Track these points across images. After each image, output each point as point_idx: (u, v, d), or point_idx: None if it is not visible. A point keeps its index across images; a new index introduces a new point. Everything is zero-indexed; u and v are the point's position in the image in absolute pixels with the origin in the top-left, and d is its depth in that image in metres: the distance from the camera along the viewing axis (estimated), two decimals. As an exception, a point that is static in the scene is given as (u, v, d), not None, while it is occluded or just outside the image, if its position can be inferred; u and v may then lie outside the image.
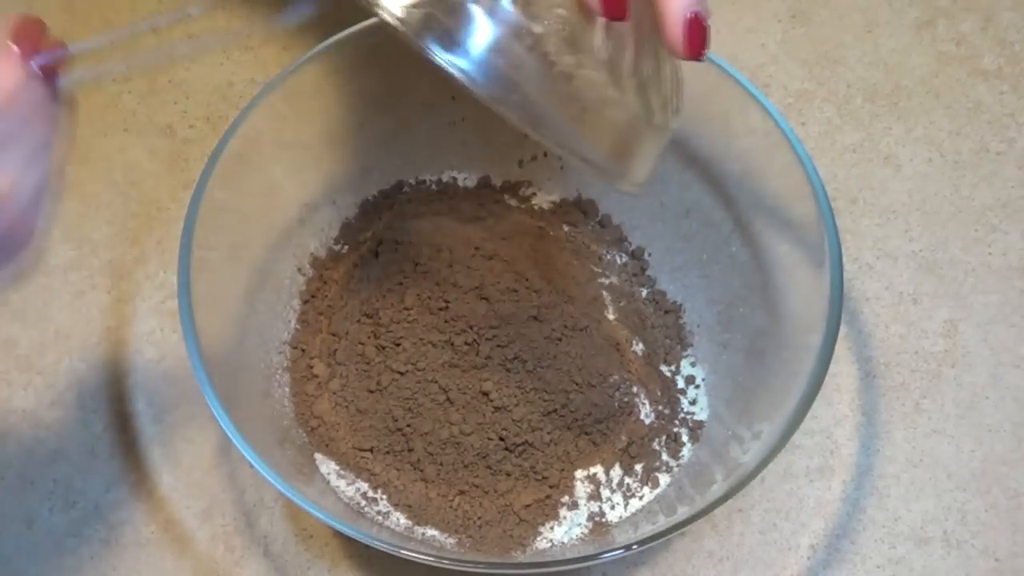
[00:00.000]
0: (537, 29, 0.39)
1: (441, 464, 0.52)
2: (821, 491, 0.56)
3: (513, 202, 0.63)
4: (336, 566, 0.54)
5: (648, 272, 0.61)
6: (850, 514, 0.55)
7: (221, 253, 0.53)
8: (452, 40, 0.40)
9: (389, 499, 0.53)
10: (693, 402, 0.56)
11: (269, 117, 0.55)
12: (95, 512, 0.55)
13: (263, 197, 0.57)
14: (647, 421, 0.55)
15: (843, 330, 0.60)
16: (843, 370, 0.59)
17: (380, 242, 0.58)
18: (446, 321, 0.53)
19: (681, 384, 0.57)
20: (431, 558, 0.46)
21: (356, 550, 0.54)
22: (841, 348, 0.59)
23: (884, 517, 0.55)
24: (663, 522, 0.49)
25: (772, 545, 0.55)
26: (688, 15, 0.41)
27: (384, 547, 0.46)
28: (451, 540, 0.52)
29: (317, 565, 0.54)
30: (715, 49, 0.64)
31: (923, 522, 0.55)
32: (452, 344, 0.53)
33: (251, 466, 0.46)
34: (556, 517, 0.53)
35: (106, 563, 0.54)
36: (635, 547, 0.46)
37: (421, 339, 0.53)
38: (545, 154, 0.64)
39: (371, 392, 0.53)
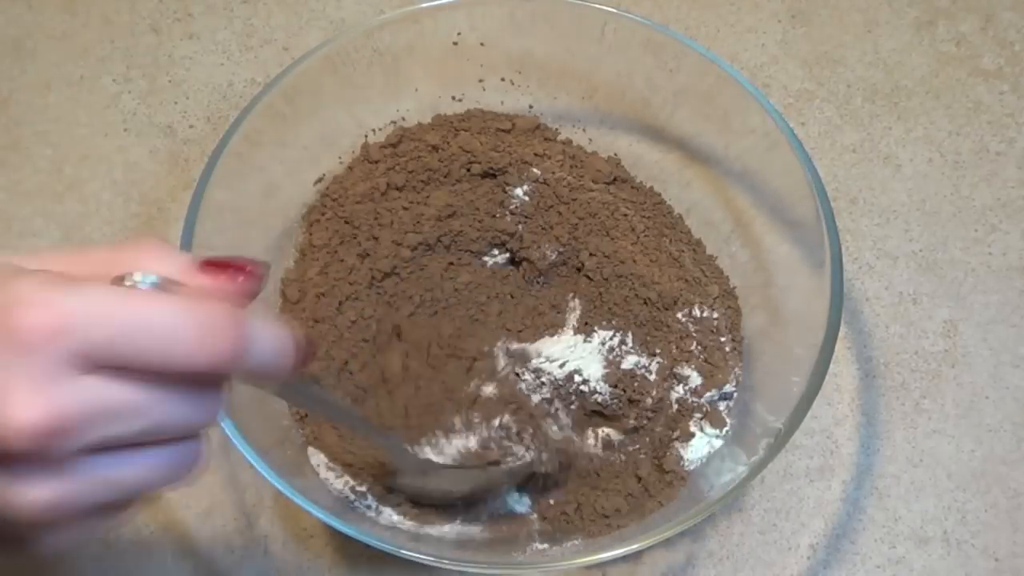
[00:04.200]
0: None
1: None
2: (821, 491, 0.56)
3: None
4: (336, 566, 0.54)
5: None
6: (850, 514, 0.55)
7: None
8: None
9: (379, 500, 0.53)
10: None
11: (269, 117, 0.55)
12: (95, 512, 0.55)
13: (263, 197, 0.57)
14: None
15: (843, 330, 0.60)
16: (843, 370, 0.59)
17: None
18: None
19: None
20: (431, 558, 0.46)
21: (356, 550, 0.54)
22: (841, 348, 0.59)
23: (884, 517, 0.55)
24: (663, 522, 0.49)
25: (772, 545, 0.55)
26: None
27: (385, 547, 0.46)
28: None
29: (317, 565, 0.54)
30: (715, 49, 0.64)
31: (923, 522, 0.55)
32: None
33: (251, 466, 0.46)
34: None
35: (106, 563, 0.54)
36: (635, 547, 0.46)
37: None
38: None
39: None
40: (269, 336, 0.34)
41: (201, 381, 0.33)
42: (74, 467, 0.31)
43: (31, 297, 0.30)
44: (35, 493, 0.31)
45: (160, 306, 0.31)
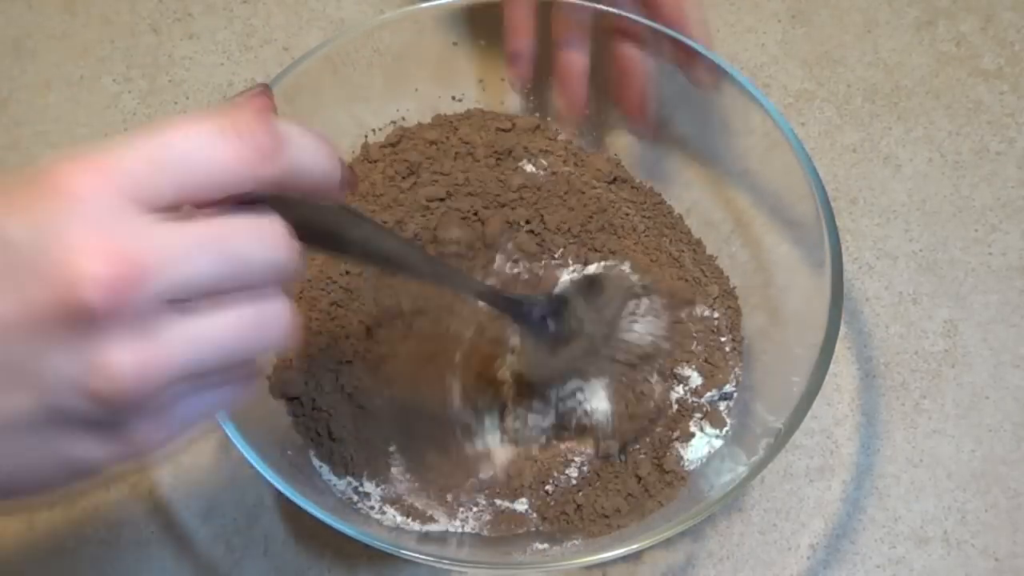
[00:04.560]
0: None
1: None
2: (821, 491, 0.56)
3: None
4: (336, 566, 0.54)
5: None
6: (850, 514, 0.55)
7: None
8: None
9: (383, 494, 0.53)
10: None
11: (269, 117, 0.55)
12: (95, 512, 0.55)
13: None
14: None
15: (843, 330, 0.60)
16: (843, 370, 0.59)
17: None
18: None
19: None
20: (432, 559, 0.46)
21: (356, 550, 0.54)
22: (841, 348, 0.59)
23: (884, 517, 0.55)
24: (663, 522, 0.49)
25: (772, 545, 0.55)
26: None
27: (385, 548, 0.46)
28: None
29: (317, 565, 0.54)
30: (715, 49, 0.64)
31: (923, 522, 0.55)
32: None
33: (251, 466, 0.46)
34: None
35: (106, 563, 0.54)
36: (635, 547, 0.46)
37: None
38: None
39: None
40: (305, 139, 0.33)
41: (261, 210, 0.32)
42: (157, 323, 0.30)
43: (62, 157, 0.29)
44: (120, 356, 0.29)
45: (187, 123, 0.31)
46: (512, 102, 0.63)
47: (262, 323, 0.33)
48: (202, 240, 0.31)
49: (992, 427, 0.58)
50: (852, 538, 0.55)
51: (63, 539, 0.55)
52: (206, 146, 0.31)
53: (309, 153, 0.33)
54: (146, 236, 0.30)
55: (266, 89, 0.37)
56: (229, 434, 0.46)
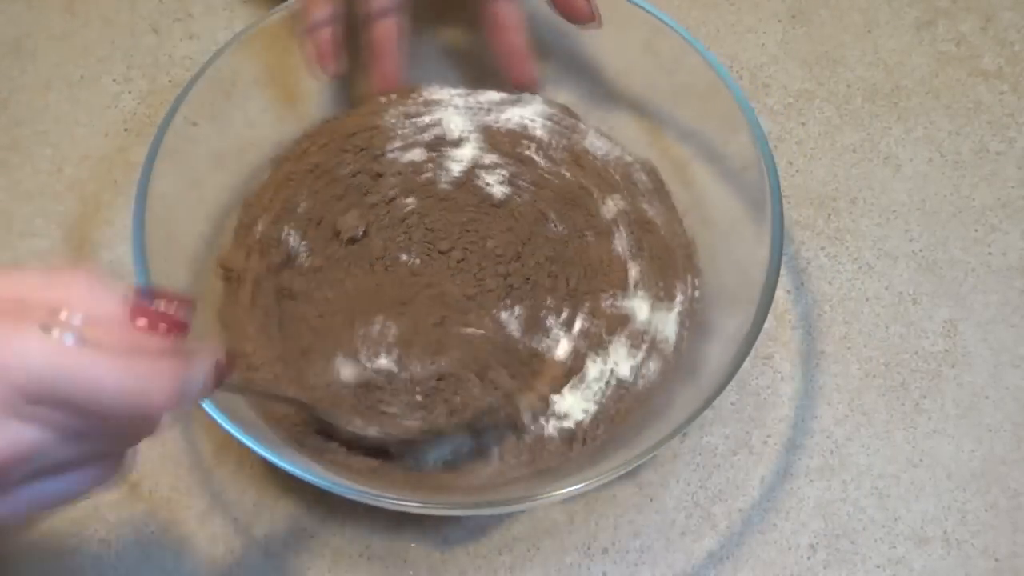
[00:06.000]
0: None
1: None
2: (821, 491, 0.56)
3: None
4: (336, 565, 0.54)
5: None
6: (850, 514, 0.55)
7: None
8: None
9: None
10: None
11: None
12: (95, 512, 0.55)
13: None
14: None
15: (843, 330, 0.60)
16: (843, 370, 0.59)
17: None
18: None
19: None
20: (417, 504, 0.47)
21: (356, 550, 0.54)
22: (841, 348, 0.59)
23: (884, 517, 0.55)
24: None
25: (772, 545, 0.55)
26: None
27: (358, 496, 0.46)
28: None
29: (317, 565, 0.54)
30: (715, 49, 0.64)
31: (923, 522, 0.55)
32: None
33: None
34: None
35: (106, 563, 0.54)
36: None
37: None
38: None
39: None
40: (199, 374, 0.36)
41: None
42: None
43: None
44: None
45: (97, 364, 0.32)
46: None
47: (93, 483, 0.38)
48: (55, 447, 0.34)
49: (992, 427, 0.58)
50: (852, 538, 0.55)
51: (63, 539, 0.55)
52: (108, 389, 0.33)
53: (198, 388, 0.37)
54: (9, 443, 0.32)
55: (188, 308, 0.38)
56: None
